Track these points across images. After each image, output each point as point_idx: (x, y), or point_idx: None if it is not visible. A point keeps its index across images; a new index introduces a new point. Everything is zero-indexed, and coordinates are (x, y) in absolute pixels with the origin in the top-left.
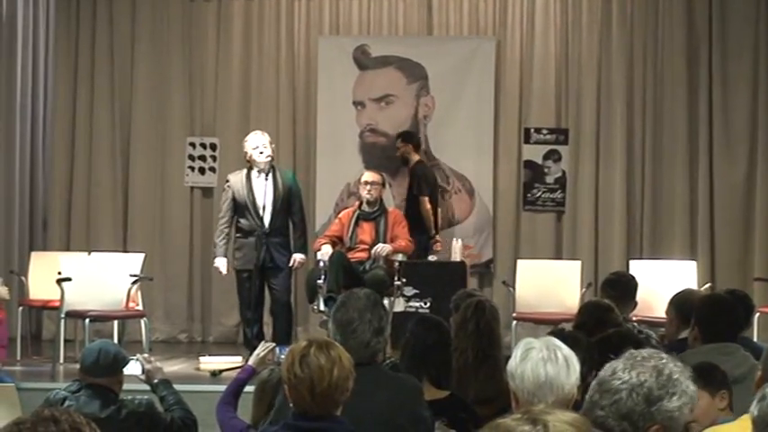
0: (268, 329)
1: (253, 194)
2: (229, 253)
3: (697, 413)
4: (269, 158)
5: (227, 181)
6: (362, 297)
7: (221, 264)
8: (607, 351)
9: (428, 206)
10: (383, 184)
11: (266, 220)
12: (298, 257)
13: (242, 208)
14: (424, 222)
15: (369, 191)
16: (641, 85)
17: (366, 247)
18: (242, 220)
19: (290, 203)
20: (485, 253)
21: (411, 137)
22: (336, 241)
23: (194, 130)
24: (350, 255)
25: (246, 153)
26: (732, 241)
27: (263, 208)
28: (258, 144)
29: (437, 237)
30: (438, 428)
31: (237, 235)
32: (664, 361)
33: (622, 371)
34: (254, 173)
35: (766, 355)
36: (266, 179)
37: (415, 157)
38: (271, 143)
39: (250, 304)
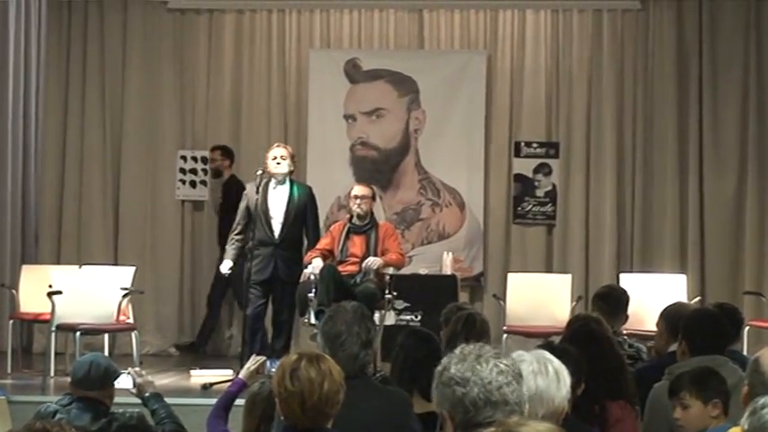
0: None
1: (266, 205)
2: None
3: (687, 419)
4: (288, 169)
5: (246, 189)
6: (350, 310)
7: (225, 266)
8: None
9: None
10: (373, 198)
11: (276, 232)
12: (306, 272)
13: (255, 218)
14: None
15: (359, 204)
16: (631, 99)
17: (357, 260)
18: (256, 231)
19: (305, 218)
20: (475, 266)
21: (231, 152)
22: (327, 254)
23: (185, 144)
24: (341, 268)
25: (266, 164)
26: (722, 255)
27: (275, 219)
28: (277, 155)
29: None
30: None
31: (250, 245)
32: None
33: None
34: (271, 184)
35: (751, 370)
36: (282, 191)
37: (229, 172)
38: (292, 156)
39: (256, 316)
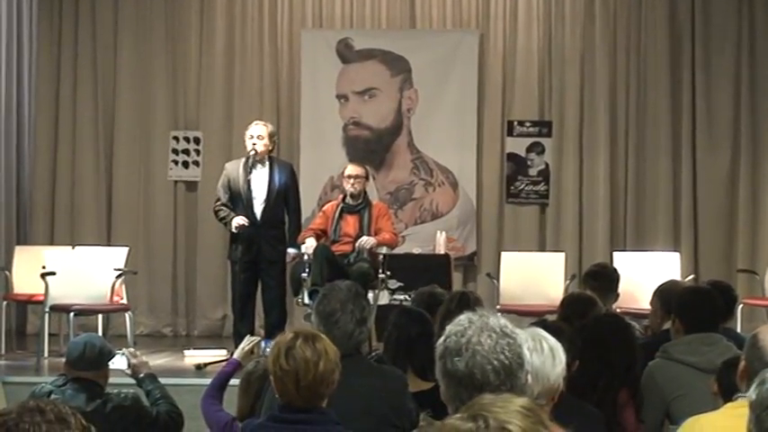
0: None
1: (248, 185)
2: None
3: None
4: (263, 150)
5: (225, 168)
6: (344, 289)
7: (239, 219)
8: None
9: None
10: (366, 177)
11: (258, 212)
12: (291, 252)
13: (235, 198)
14: None
15: (352, 184)
16: (624, 77)
17: (350, 239)
18: (236, 210)
19: (287, 197)
20: (469, 245)
21: None
22: (321, 234)
23: (178, 124)
24: (334, 248)
25: (244, 140)
26: (715, 233)
27: (257, 200)
28: (254, 134)
29: None
30: (423, 420)
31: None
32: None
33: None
34: (251, 163)
35: (749, 345)
36: (262, 171)
37: None
38: (271, 135)
39: (242, 297)
